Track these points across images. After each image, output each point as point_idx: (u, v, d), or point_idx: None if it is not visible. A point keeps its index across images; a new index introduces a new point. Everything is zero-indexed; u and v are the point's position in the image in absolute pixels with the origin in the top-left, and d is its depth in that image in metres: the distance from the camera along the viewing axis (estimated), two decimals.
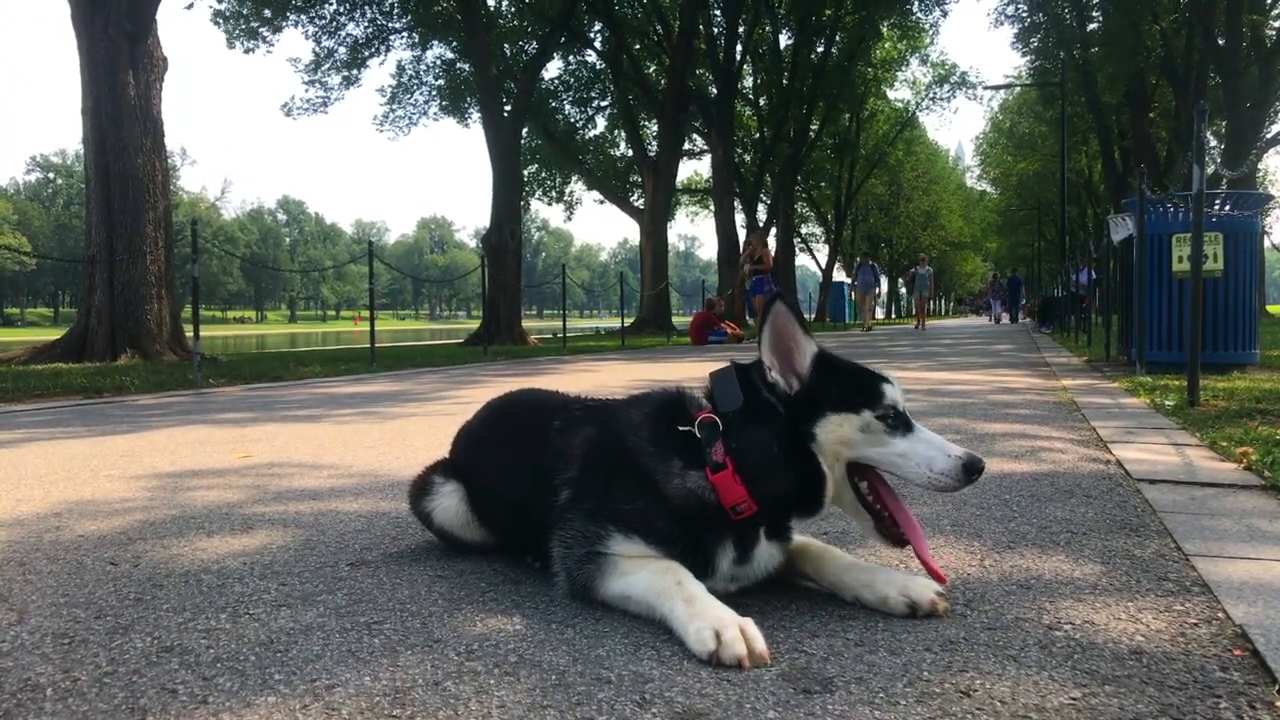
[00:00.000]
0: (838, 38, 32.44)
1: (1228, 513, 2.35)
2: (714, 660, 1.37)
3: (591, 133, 34.95)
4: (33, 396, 7.03)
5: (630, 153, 32.93)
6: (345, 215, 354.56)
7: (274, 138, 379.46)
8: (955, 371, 7.90)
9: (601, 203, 34.55)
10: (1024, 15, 31.58)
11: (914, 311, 29.48)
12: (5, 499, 2.89)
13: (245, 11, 23.61)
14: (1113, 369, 7.69)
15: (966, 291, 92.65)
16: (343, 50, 26.07)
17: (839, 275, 46.00)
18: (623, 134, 33.13)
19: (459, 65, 27.79)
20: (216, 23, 23.86)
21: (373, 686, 1.32)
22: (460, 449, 2.15)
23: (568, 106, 33.48)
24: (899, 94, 45.41)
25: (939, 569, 1.65)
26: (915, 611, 1.59)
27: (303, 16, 24.65)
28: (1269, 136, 26.25)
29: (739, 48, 30.02)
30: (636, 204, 30.93)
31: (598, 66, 31.38)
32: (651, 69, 30.99)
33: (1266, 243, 7.66)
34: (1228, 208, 6.76)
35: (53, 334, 19.74)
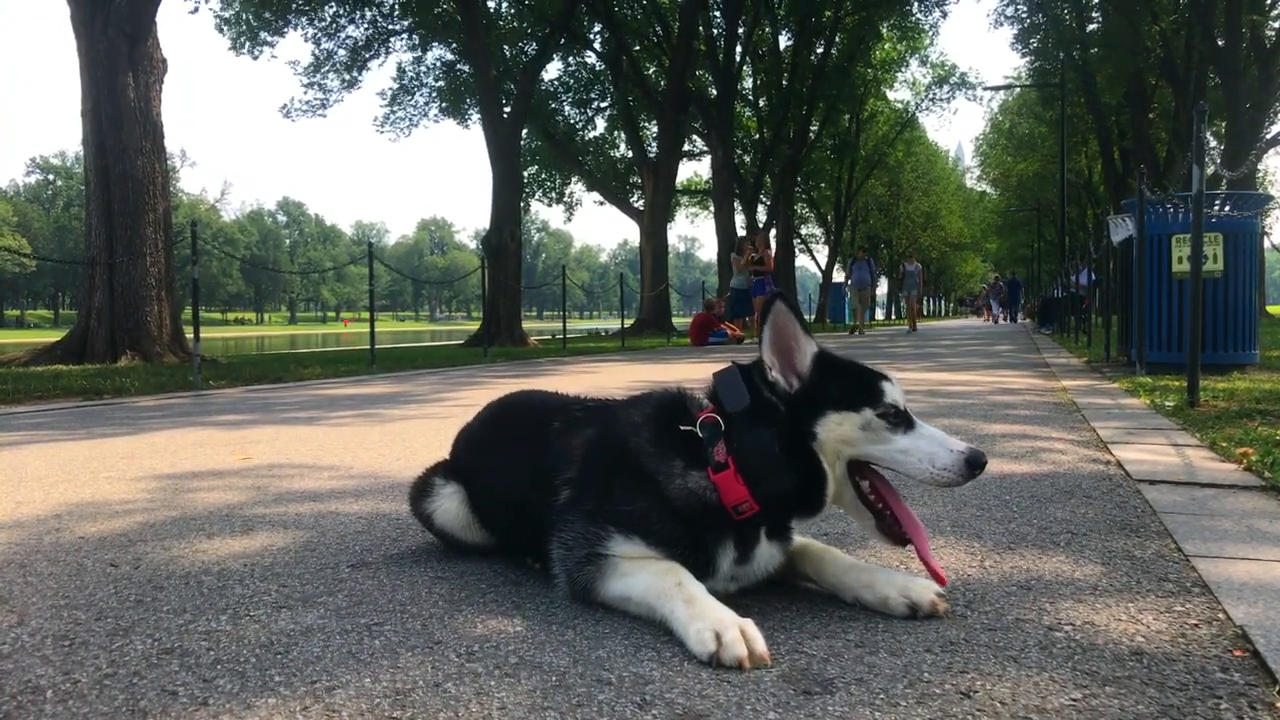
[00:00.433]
0: (837, 39, 32.45)
1: (1228, 513, 2.35)
2: (714, 661, 1.37)
3: (591, 134, 34.97)
4: (33, 398, 7.03)
5: (630, 154, 32.94)
6: (345, 216, 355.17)
7: (274, 139, 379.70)
8: (955, 372, 7.90)
9: (601, 204, 34.56)
10: (1023, 16, 31.61)
11: (904, 312, 27.37)
12: (5, 501, 2.89)
13: (248, 16, 23.61)
14: (1113, 370, 7.69)
15: (966, 292, 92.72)
16: (343, 52, 26.09)
17: (839, 276, 45.98)
18: (622, 135, 33.13)
19: (459, 67, 27.78)
20: (220, 30, 23.86)
21: (373, 688, 1.32)
22: (460, 450, 2.15)
23: (567, 108, 33.50)
24: (899, 95, 45.46)
25: (940, 569, 1.65)
26: (916, 612, 1.59)
27: (303, 19, 24.65)
28: (1269, 137, 26.25)
29: (739, 49, 30.03)
30: (636, 205, 30.92)
31: (597, 68, 31.40)
32: (651, 70, 31.00)
33: (1266, 243, 7.65)
34: (1227, 208, 6.76)
35: (53, 336, 19.75)
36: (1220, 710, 1.21)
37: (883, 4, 29.69)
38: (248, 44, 24.07)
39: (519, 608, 1.70)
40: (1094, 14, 31.03)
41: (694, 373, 8.35)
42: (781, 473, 1.59)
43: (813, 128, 35.09)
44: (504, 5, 27.02)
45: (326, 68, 26.17)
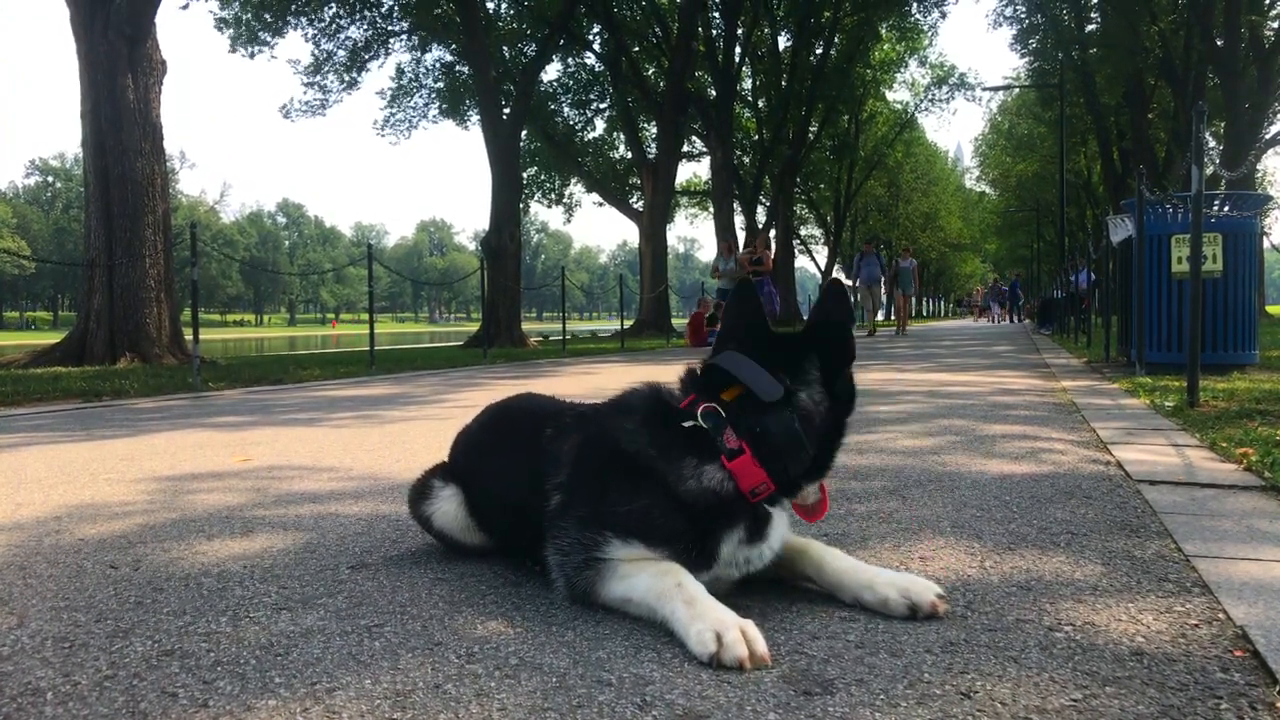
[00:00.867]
0: (836, 39, 32.47)
1: (1228, 513, 2.35)
2: (715, 662, 1.37)
3: (590, 135, 34.97)
4: (32, 400, 7.03)
5: (629, 155, 32.94)
6: (344, 218, 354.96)
7: (273, 141, 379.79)
8: (955, 373, 7.90)
9: (601, 205, 34.56)
10: (1022, 16, 31.61)
11: (891, 312, 24.77)
12: (5, 503, 2.89)
13: (247, 16, 23.62)
14: (1112, 370, 7.69)
15: (966, 293, 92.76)
16: (342, 53, 26.09)
17: (838, 276, 45.99)
18: (622, 136, 33.14)
19: (458, 68, 27.79)
20: (219, 28, 23.87)
21: (373, 689, 1.32)
22: (459, 453, 2.15)
23: (567, 109, 33.50)
24: (898, 95, 45.54)
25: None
26: (916, 613, 1.59)
27: (303, 19, 24.66)
28: (1268, 137, 26.26)
29: (738, 50, 30.05)
30: (636, 206, 30.92)
31: (597, 69, 31.40)
32: (650, 71, 31.01)
33: (1266, 243, 7.66)
34: (1227, 208, 6.77)
35: (52, 337, 19.74)
36: (1221, 710, 1.21)
37: (882, 5, 29.71)
38: (246, 43, 24.08)
39: (519, 609, 1.70)
40: (1093, 14, 31.06)
41: None
42: (804, 449, 1.60)
43: (812, 128, 35.12)
44: (503, 6, 27.04)
45: (326, 68, 26.19)
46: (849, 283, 22.07)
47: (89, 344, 12.21)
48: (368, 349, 11.89)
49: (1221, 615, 1.58)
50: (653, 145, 30.02)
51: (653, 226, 26.05)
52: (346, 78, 26.45)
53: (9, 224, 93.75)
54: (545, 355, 15.07)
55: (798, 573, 1.75)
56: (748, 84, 35.57)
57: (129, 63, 12.33)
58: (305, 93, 26.87)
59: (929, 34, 36.82)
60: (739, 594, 1.75)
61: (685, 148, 33.57)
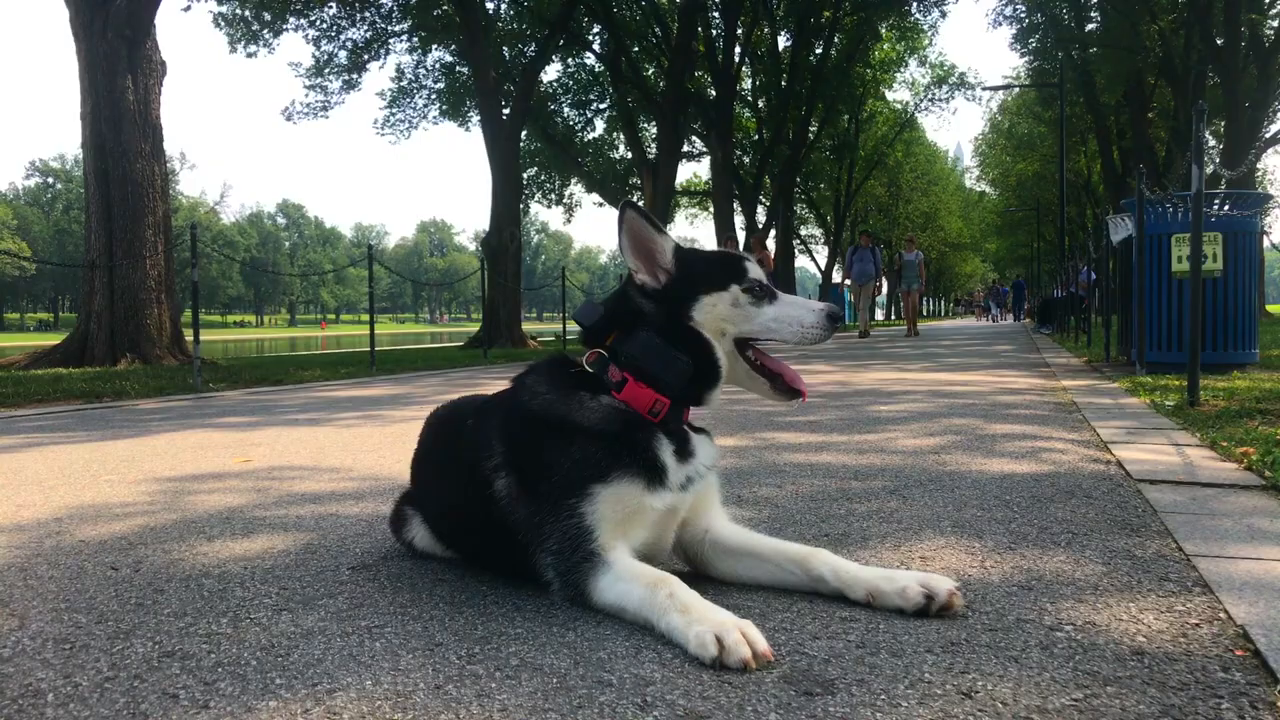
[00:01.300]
0: (836, 39, 32.46)
1: (1228, 513, 2.35)
2: (717, 665, 1.36)
3: (590, 135, 34.95)
4: (33, 402, 7.03)
5: (629, 155, 32.93)
6: (345, 218, 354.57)
7: (273, 141, 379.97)
8: (956, 373, 7.90)
9: (601, 205, 34.55)
10: (1022, 16, 31.57)
11: (902, 312, 22.29)
12: (6, 504, 2.89)
13: (246, 15, 23.62)
14: (1113, 369, 7.69)
15: (966, 292, 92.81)
16: (342, 54, 26.09)
17: (838, 276, 46.01)
18: (622, 136, 33.13)
19: (458, 68, 27.79)
20: (218, 25, 23.88)
21: (374, 690, 1.32)
22: (414, 475, 2.20)
23: (567, 109, 33.48)
24: (898, 95, 45.62)
25: (804, 391, 1.82)
26: (931, 603, 1.59)
27: (303, 20, 24.66)
28: (1268, 136, 26.27)
29: (737, 50, 30.03)
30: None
31: (596, 69, 31.39)
32: (650, 71, 31.00)
33: (1266, 242, 7.65)
34: (1227, 207, 6.76)
35: (53, 339, 19.73)
36: (1222, 710, 1.21)
37: (881, 4, 29.66)
38: (246, 42, 24.08)
39: (520, 609, 1.70)
40: (1093, 13, 31.04)
41: None
42: (674, 359, 1.72)
43: (812, 128, 35.09)
44: (503, 6, 27.01)
45: (327, 70, 26.19)
46: (846, 282, 20.38)
47: (90, 345, 12.22)
48: (368, 350, 11.90)
49: (1222, 614, 1.58)
50: (652, 145, 30.02)
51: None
52: (347, 79, 26.46)
53: (9, 225, 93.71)
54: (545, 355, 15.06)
55: (811, 575, 1.73)
56: (747, 84, 35.55)
57: (129, 64, 12.34)
58: (306, 94, 26.83)
59: (929, 33, 36.79)
60: (739, 594, 1.75)
61: (685, 148, 33.56)
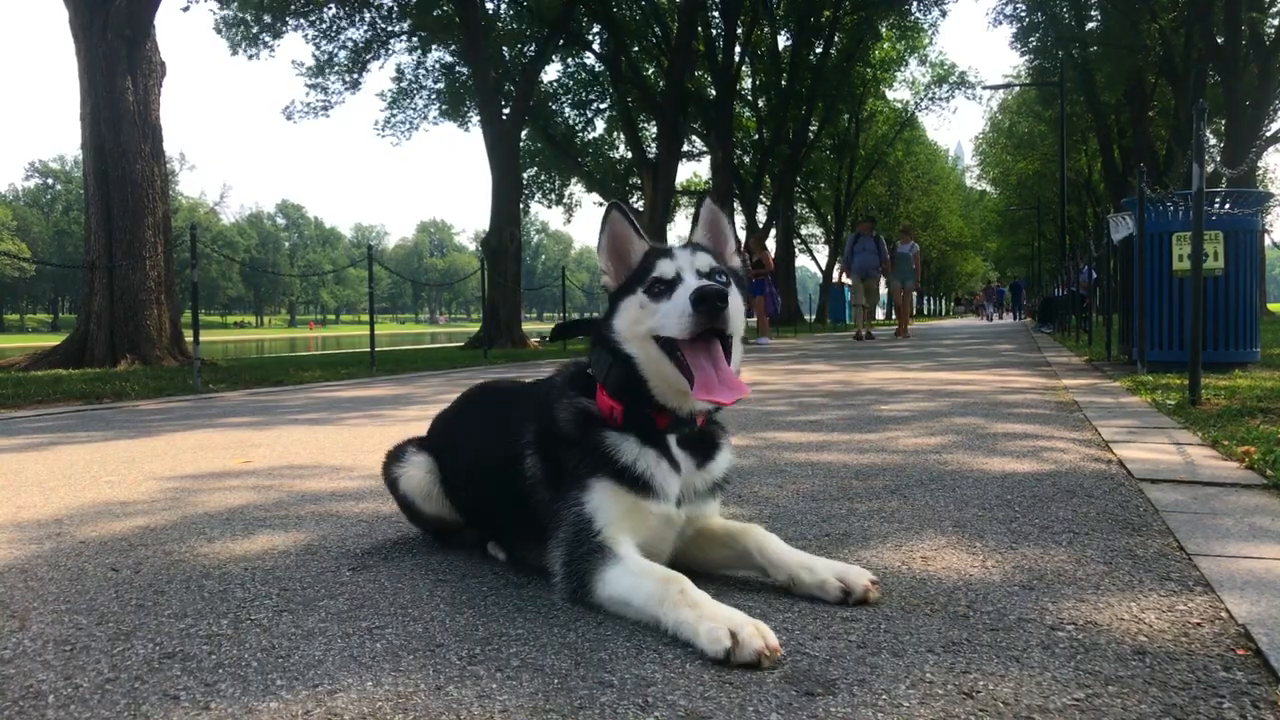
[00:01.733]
0: (836, 38, 32.48)
1: (1230, 512, 2.35)
2: (729, 658, 1.36)
3: (590, 135, 34.97)
4: (33, 403, 7.03)
5: (629, 155, 32.94)
6: (344, 219, 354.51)
7: (272, 142, 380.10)
8: (957, 372, 7.90)
9: (601, 205, 34.56)
10: (1022, 15, 31.59)
11: (894, 311, 20.05)
12: (6, 505, 2.89)
13: (247, 18, 23.61)
14: (1114, 368, 7.68)
15: (967, 292, 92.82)
16: (343, 54, 26.09)
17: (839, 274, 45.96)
18: (622, 136, 33.14)
19: (458, 69, 27.79)
20: (218, 30, 23.87)
21: (375, 691, 1.32)
22: (436, 430, 2.30)
23: (567, 109, 33.50)
24: (898, 94, 45.62)
25: (720, 398, 1.63)
26: (849, 597, 1.66)
27: (303, 21, 24.66)
28: (1268, 134, 26.25)
29: (737, 49, 30.04)
30: (636, 206, 30.93)
31: (596, 69, 31.40)
32: (650, 71, 31.01)
33: (1267, 241, 7.65)
34: (1228, 206, 6.76)
35: (52, 340, 19.74)
36: (1223, 709, 1.20)
37: (882, 3, 29.68)
38: (246, 45, 24.08)
39: (520, 610, 1.70)
40: (1093, 12, 31.05)
41: None
42: (605, 362, 1.74)
43: (812, 127, 35.12)
44: (503, 6, 27.01)
45: (329, 71, 26.19)
46: (847, 281, 18.03)
47: (90, 346, 12.22)
48: (368, 350, 11.90)
49: (1224, 614, 1.58)
50: (652, 145, 30.03)
51: (653, 226, 26.05)
52: (348, 79, 26.47)
53: (9, 226, 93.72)
54: (546, 355, 15.07)
55: (738, 550, 1.80)
56: (747, 83, 35.57)
57: (128, 64, 12.33)
58: (308, 94, 26.85)
59: (929, 32, 36.81)
60: (740, 594, 1.75)
61: (685, 147, 33.59)
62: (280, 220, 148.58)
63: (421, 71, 28.99)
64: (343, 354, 19.34)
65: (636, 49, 29.42)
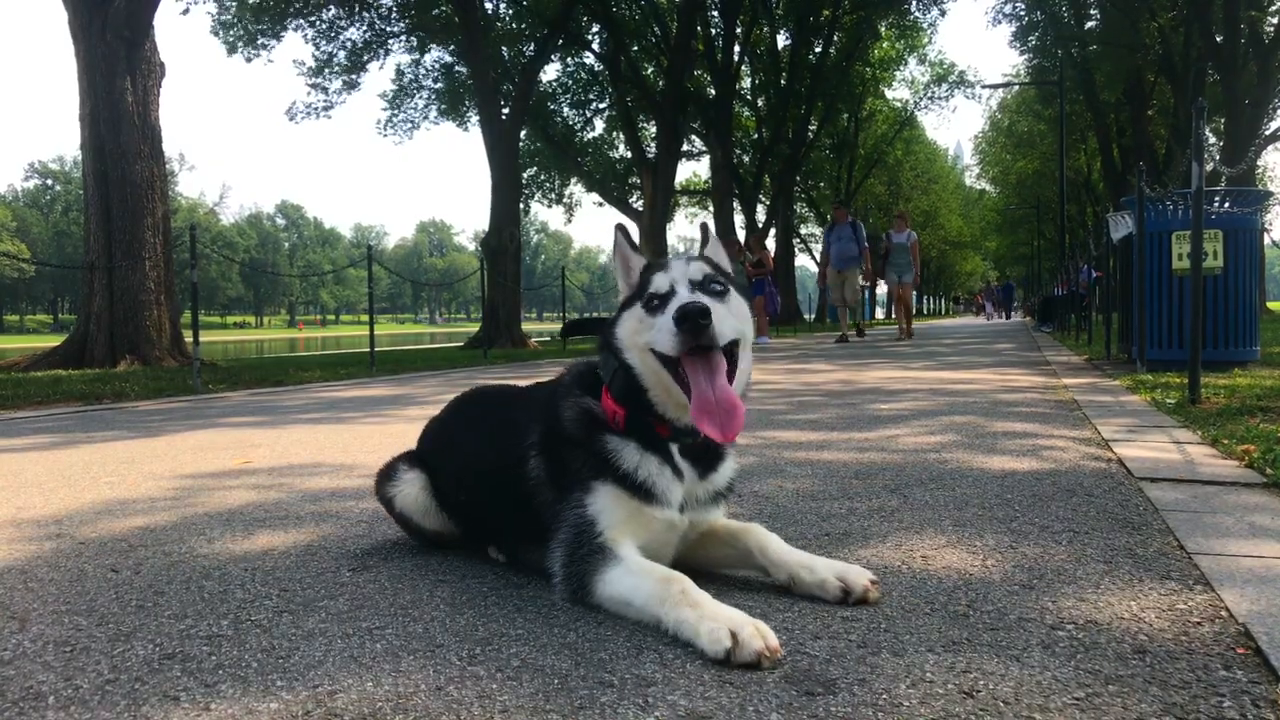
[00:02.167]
0: (836, 38, 32.49)
1: (1230, 510, 2.35)
2: (729, 658, 1.37)
3: (590, 135, 34.98)
4: (33, 403, 7.03)
5: (629, 155, 32.95)
6: (344, 219, 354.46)
7: (272, 142, 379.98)
8: (957, 371, 7.90)
9: (601, 205, 34.57)
10: (1021, 13, 31.59)
11: (891, 308, 17.57)
12: (6, 506, 2.89)
13: (245, 19, 23.60)
14: (1113, 367, 7.68)
15: (966, 291, 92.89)
16: (342, 55, 26.08)
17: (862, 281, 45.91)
18: (621, 136, 33.15)
19: (457, 68, 27.79)
20: (216, 33, 23.85)
21: (375, 692, 1.32)
22: (427, 441, 2.29)
23: (566, 109, 33.51)
24: (897, 93, 45.64)
25: (713, 431, 1.60)
26: (849, 596, 1.66)
27: (302, 21, 24.66)
28: (1268, 133, 26.25)
29: (737, 48, 30.04)
30: (636, 206, 30.94)
31: (596, 68, 31.41)
32: (649, 70, 31.02)
33: (1266, 239, 7.65)
34: (1227, 205, 6.76)
35: (52, 341, 19.74)
36: (1223, 708, 1.20)
37: (881, 3, 29.69)
38: (244, 47, 24.07)
39: (521, 610, 1.70)
40: (1092, 11, 31.06)
41: None
42: (613, 371, 1.75)
43: (811, 127, 35.13)
44: (502, 6, 27.03)
45: (328, 71, 26.18)
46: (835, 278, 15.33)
47: (89, 347, 12.21)
48: (368, 350, 11.90)
49: (1224, 612, 1.58)
50: (652, 144, 30.03)
51: (653, 226, 26.05)
52: (347, 79, 26.46)
53: (8, 227, 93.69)
54: (546, 355, 15.06)
55: (739, 549, 1.81)
56: (747, 83, 35.58)
57: (127, 65, 12.33)
58: (309, 94, 26.84)
59: (928, 32, 36.84)
60: (740, 594, 1.75)
61: (685, 147, 33.58)
62: (280, 220, 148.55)
63: (421, 71, 29.01)
64: (342, 354, 19.34)
65: (636, 48, 29.43)
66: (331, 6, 24.54)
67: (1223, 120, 25.28)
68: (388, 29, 26.18)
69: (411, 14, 25.00)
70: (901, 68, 40.69)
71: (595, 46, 29.29)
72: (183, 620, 1.69)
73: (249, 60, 24.28)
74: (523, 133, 24.95)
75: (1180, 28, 26.86)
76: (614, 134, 34.86)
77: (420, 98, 29.41)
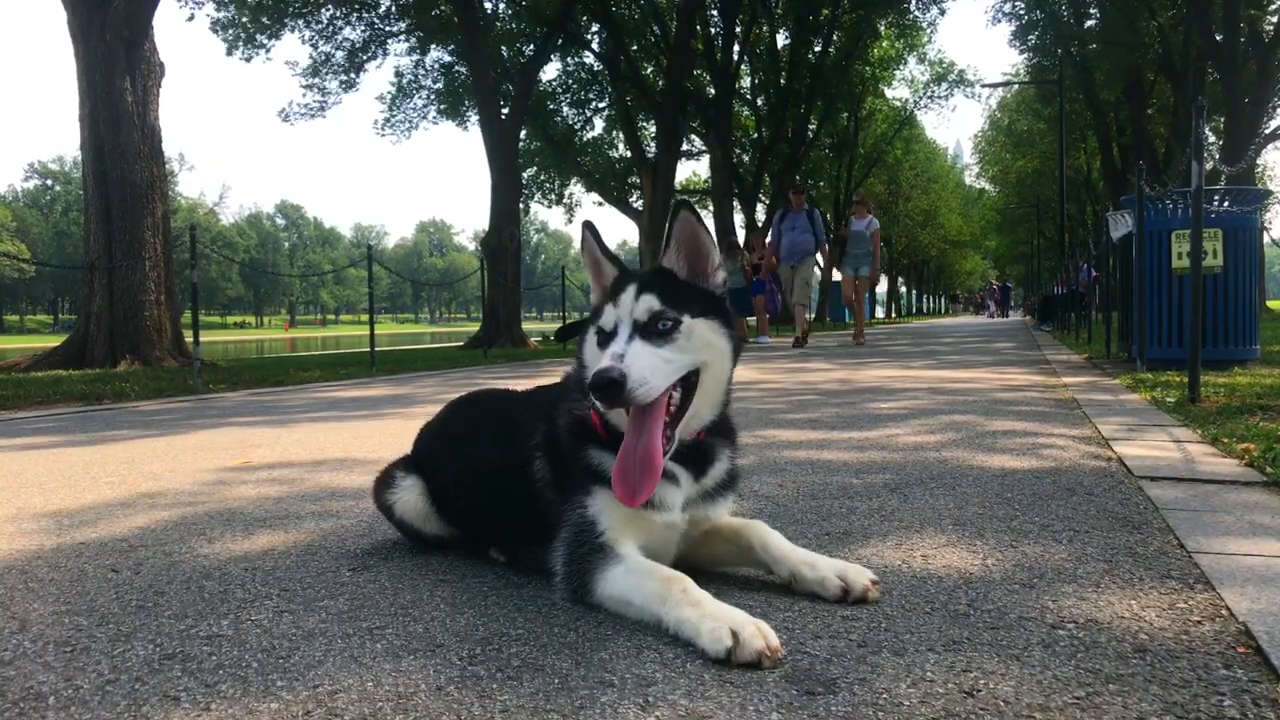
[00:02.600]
0: (835, 37, 32.48)
1: (1230, 509, 2.35)
2: (730, 658, 1.36)
3: (590, 134, 34.96)
4: (33, 404, 7.03)
5: (629, 154, 32.93)
6: (344, 219, 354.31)
7: (272, 142, 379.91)
8: (957, 369, 7.90)
9: (601, 205, 34.58)
10: (1021, 12, 31.57)
11: (846, 309, 16.39)
12: (6, 506, 2.89)
13: (244, 19, 23.59)
14: (1113, 366, 7.69)
15: (966, 290, 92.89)
16: (340, 55, 26.07)
17: (838, 275, 45.88)
18: (621, 135, 33.13)
19: (456, 68, 27.78)
20: (215, 31, 23.85)
21: (375, 691, 1.32)
22: (423, 445, 2.26)
23: (566, 108, 33.49)
24: (897, 93, 45.56)
25: (620, 492, 1.58)
26: (848, 595, 1.66)
27: (300, 22, 24.63)
28: (1267, 132, 26.24)
29: (736, 48, 30.03)
30: (635, 205, 30.93)
31: (595, 68, 31.40)
32: (649, 70, 31.00)
33: (1266, 238, 7.65)
34: (1227, 204, 6.76)
35: (52, 341, 19.74)
36: (1224, 707, 1.20)
37: (880, 2, 29.68)
38: (243, 47, 24.06)
39: (521, 610, 1.70)
40: (1092, 10, 31.03)
41: None
42: (584, 392, 1.67)
43: (811, 126, 35.12)
44: (501, 6, 27.02)
45: (325, 71, 26.16)
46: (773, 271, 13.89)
47: (89, 347, 12.22)
48: (368, 350, 11.90)
49: (1224, 611, 1.58)
50: (652, 144, 30.01)
51: (653, 226, 26.04)
52: (345, 79, 26.44)
53: (8, 227, 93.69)
54: (545, 355, 15.06)
55: (741, 545, 1.80)
56: (746, 82, 35.56)
57: (127, 65, 12.33)
58: (304, 95, 26.82)
59: (928, 31, 36.79)
60: (741, 594, 1.75)
61: (684, 146, 33.56)
62: (280, 220, 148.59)
63: (420, 71, 28.99)
64: (342, 354, 19.34)
65: (635, 48, 29.41)
66: (330, 6, 24.52)
67: (1222, 119, 25.27)
68: (387, 29, 26.17)
69: (411, 14, 24.99)
70: (901, 67, 40.68)
71: (595, 46, 29.28)
72: (183, 620, 1.69)
73: (248, 60, 24.28)
74: (522, 132, 24.95)
75: (1180, 26, 26.85)
76: (614, 134, 34.85)
77: (419, 98, 29.42)
